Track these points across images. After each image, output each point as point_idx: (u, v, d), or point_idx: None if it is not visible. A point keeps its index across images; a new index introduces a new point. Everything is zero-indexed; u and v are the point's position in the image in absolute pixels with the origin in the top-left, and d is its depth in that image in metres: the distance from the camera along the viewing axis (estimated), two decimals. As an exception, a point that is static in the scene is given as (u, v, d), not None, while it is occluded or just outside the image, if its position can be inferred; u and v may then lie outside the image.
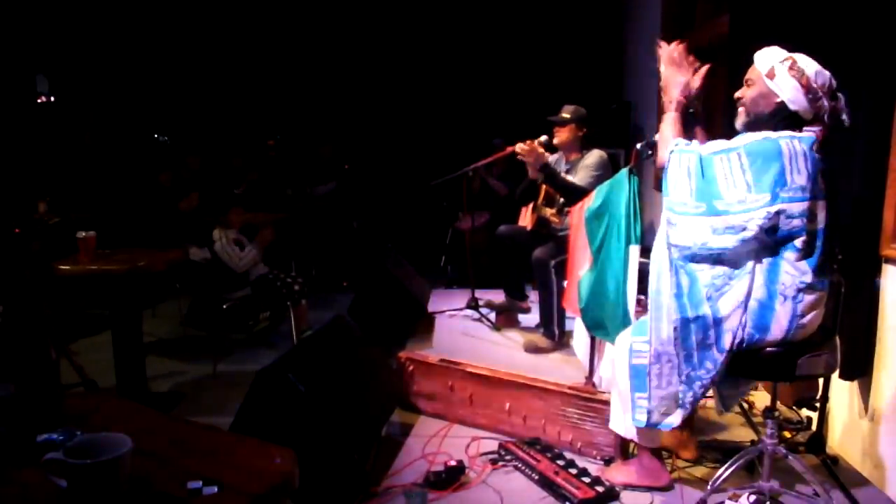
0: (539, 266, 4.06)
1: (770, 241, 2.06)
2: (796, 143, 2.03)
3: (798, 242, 2.05)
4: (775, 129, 2.10)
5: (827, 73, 2.11)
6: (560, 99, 4.34)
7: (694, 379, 2.18)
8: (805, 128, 2.10)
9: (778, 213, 2.02)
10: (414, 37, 7.09)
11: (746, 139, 2.10)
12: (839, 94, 2.12)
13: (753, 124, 2.19)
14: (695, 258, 2.14)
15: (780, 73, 2.11)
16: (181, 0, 6.88)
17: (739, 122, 2.24)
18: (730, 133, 2.25)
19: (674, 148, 2.17)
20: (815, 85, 2.08)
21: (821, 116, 2.09)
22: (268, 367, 2.51)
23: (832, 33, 2.69)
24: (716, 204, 2.07)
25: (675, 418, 2.25)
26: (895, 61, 2.44)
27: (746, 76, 2.22)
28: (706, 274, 2.13)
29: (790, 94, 2.10)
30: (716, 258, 2.11)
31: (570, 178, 4.01)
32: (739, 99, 2.24)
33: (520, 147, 3.92)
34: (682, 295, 2.17)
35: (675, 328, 2.18)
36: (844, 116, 2.12)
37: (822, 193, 2.06)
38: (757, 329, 2.10)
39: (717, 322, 2.11)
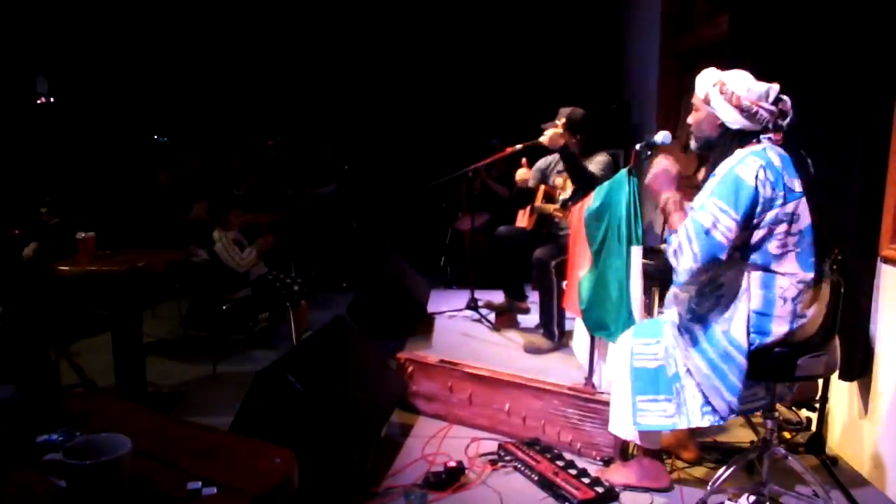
0: (539, 266, 4.06)
1: (747, 254, 2.14)
2: (750, 161, 2.11)
3: (779, 249, 2.11)
4: (729, 151, 2.19)
5: (762, 84, 2.17)
6: (560, 99, 4.33)
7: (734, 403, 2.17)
8: (759, 138, 2.18)
9: (744, 227, 2.11)
10: (413, 37, 7.08)
11: (710, 184, 2.18)
12: (783, 97, 2.18)
13: (705, 147, 2.29)
14: (693, 301, 2.21)
15: (713, 96, 2.21)
16: (181, 0, 6.88)
17: (693, 146, 2.35)
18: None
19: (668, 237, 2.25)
20: (746, 102, 2.15)
21: (768, 125, 2.17)
22: (267, 367, 2.51)
23: (832, 33, 2.69)
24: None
25: (681, 421, 2.25)
26: (894, 61, 2.45)
27: (692, 101, 2.31)
28: (711, 315, 2.18)
29: (727, 115, 2.19)
30: (714, 285, 2.18)
31: (570, 187, 4.04)
32: (690, 125, 2.33)
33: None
34: (704, 350, 2.19)
35: (710, 369, 2.18)
36: (788, 120, 2.19)
37: (797, 194, 2.12)
38: (759, 334, 2.12)
39: (741, 349, 2.11)
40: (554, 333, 4.10)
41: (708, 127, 2.26)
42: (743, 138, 2.19)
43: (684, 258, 2.15)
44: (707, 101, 2.23)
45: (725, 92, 2.18)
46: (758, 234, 2.12)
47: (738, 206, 2.09)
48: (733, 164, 2.14)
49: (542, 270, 4.04)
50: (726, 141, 2.21)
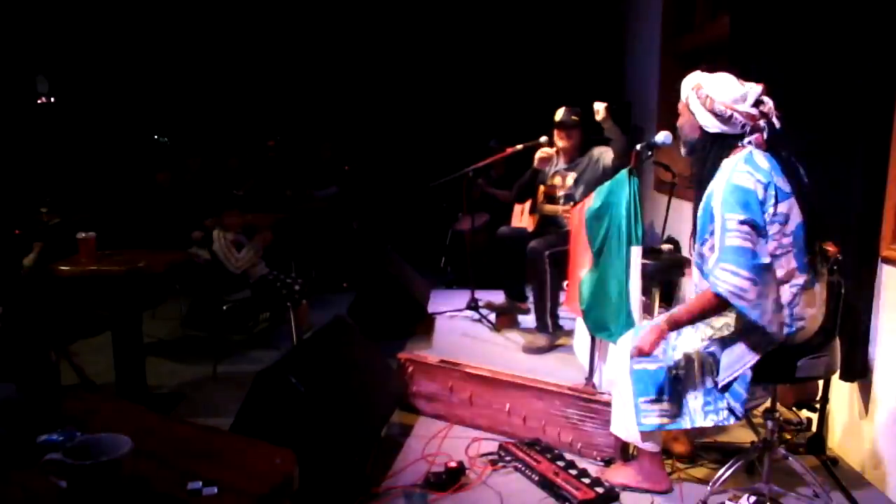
0: (533, 255, 4.04)
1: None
2: (740, 166, 2.10)
3: (778, 250, 2.09)
4: (714, 155, 2.19)
5: (739, 87, 2.16)
6: (560, 100, 4.32)
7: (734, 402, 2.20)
8: (741, 142, 2.17)
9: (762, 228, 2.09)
10: (413, 37, 7.09)
11: (718, 202, 2.13)
12: (764, 100, 2.17)
13: (692, 151, 2.29)
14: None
15: (692, 101, 2.21)
16: (181, 0, 6.88)
17: (682, 151, 2.35)
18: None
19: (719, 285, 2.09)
20: (721, 107, 2.15)
21: (747, 128, 2.16)
22: (268, 368, 2.51)
23: (832, 34, 2.69)
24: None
25: (685, 422, 2.27)
26: (895, 61, 2.44)
27: (679, 106, 2.32)
28: (698, 335, 2.26)
29: (704, 119, 2.19)
30: None
31: (570, 182, 4.05)
32: (680, 129, 2.33)
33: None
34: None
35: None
36: (774, 120, 2.17)
37: (786, 193, 2.11)
38: None
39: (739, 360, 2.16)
40: (547, 324, 4.08)
41: (690, 131, 2.27)
42: (724, 143, 2.19)
43: (747, 290, 2.03)
44: (688, 106, 2.24)
45: (700, 96, 2.18)
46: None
47: (751, 212, 2.06)
48: (728, 178, 2.12)
49: (536, 259, 4.02)
50: (707, 145, 2.21)
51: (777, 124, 2.18)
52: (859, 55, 2.57)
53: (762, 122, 2.16)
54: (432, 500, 2.47)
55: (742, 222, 2.05)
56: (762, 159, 2.13)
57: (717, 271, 2.07)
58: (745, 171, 2.10)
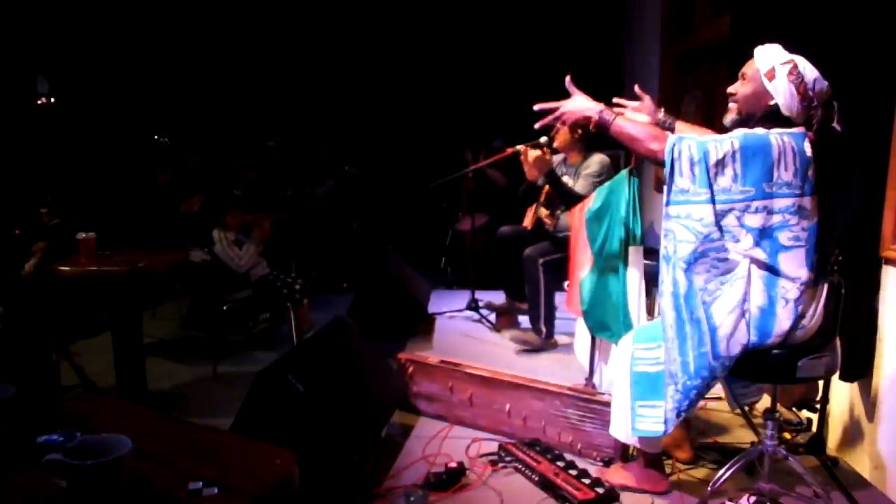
0: (527, 263, 4.07)
1: (758, 240, 2.04)
2: (786, 139, 2.01)
3: (791, 241, 2.03)
4: (765, 127, 2.07)
5: (825, 82, 2.08)
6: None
7: (690, 388, 2.13)
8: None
9: (760, 208, 2.01)
10: (413, 37, 7.09)
11: (739, 132, 2.08)
12: (834, 103, 2.09)
13: (743, 122, 2.16)
14: (695, 254, 2.06)
15: (779, 75, 2.07)
16: (181, 0, 6.88)
17: (729, 119, 2.21)
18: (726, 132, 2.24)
19: (675, 141, 2.08)
20: (811, 93, 2.05)
21: (811, 124, 2.07)
22: (268, 368, 2.51)
23: (832, 34, 2.69)
24: (714, 190, 2.04)
25: (669, 426, 2.22)
26: (895, 61, 2.44)
27: (743, 70, 2.18)
28: (700, 278, 2.08)
29: (785, 98, 2.06)
30: (718, 257, 2.06)
31: (571, 184, 4.03)
32: (732, 95, 2.20)
33: (531, 155, 3.93)
34: (678, 294, 2.11)
35: (671, 326, 2.14)
36: (836, 124, 2.09)
37: (813, 189, 2.03)
38: (759, 335, 2.09)
39: (713, 329, 2.07)
40: (541, 330, 4.09)
41: (756, 104, 2.12)
42: (782, 124, 2.06)
43: (682, 169, 2.04)
44: (770, 77, 2.06)
45: (795, 73, 2.04)
46: (773, 220, 2.02)
47: (751, 143, 1.98)
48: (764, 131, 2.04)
49: (530, 267, 4.04)
50: (768, 123, 2.07)
51: (838, 129, 2.08)
52: (859, 55, 2.57)
53: (816, 125, 2.06)
54: (432, 501, 2.46)
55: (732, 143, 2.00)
56: (808, 147, 2.02)
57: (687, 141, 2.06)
58: (786, 136, 2.00)
